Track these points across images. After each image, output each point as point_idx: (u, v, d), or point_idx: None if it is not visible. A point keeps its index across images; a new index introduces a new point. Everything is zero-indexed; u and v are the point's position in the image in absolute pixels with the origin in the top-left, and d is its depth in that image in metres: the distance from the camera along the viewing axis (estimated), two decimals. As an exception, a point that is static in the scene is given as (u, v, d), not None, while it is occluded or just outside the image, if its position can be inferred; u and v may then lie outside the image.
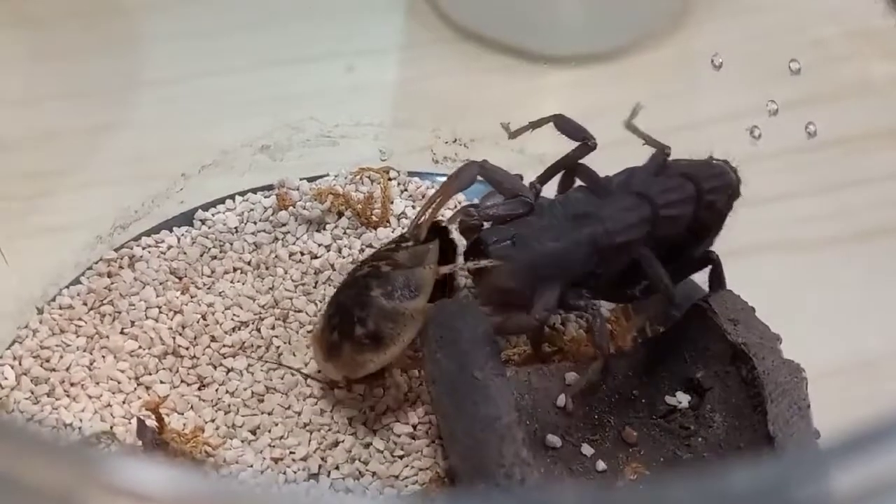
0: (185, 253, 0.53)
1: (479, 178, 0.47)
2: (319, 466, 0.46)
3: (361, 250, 0.54)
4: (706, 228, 0.48)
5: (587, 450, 0.45)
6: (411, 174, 0.57)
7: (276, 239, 0.54)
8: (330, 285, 0.52)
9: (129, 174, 0.57)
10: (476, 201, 0.52)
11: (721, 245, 0.49)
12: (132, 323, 0.50)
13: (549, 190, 0.49)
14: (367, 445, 0.46)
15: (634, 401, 0.47)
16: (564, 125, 0.49)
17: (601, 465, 0.45)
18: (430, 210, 0.47)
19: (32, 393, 0.48)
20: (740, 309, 0.47)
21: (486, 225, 0.46)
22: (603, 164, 0.51)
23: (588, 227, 0.45)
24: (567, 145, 0.53)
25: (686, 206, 0.46)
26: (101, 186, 0.56)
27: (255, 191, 0.56)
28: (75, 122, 0.58)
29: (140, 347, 0.50)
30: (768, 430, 0.43)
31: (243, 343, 0.50)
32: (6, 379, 0.48)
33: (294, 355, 0.49)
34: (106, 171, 0.57)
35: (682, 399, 0.47)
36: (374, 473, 0.45)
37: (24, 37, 0.59)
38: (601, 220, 0.45)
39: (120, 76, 0.60)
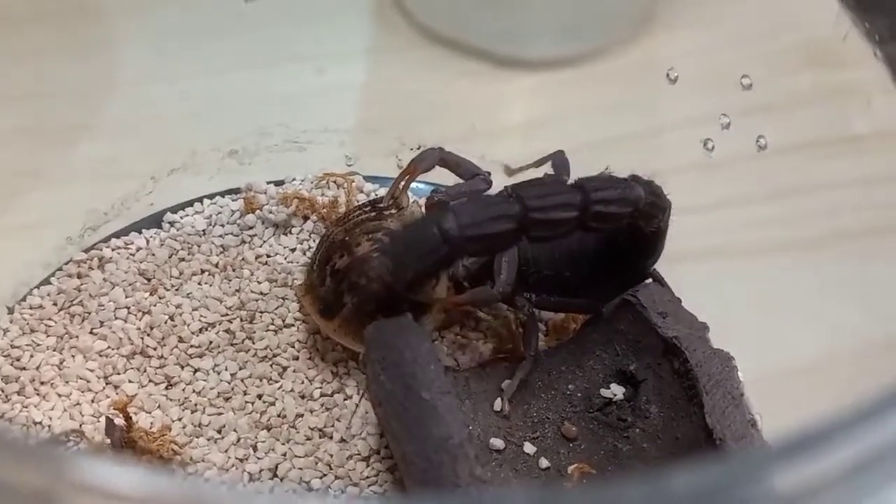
0: (153, 255, 0.54)
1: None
2: (281, 466, 0.47)
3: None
4: (637, 244, 0.49)
5: (529, 448, 0.47)
6: (375, 179, 0.58)
7: (243, 242, 0.55)
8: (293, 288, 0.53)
9: (98, 176, 0.58)
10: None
11: (671, 250, 0.50)
12: (101, 323, 0.52)
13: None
14: (330, 447, 0.48)
15: (570, 395, 0.48)
16: (559, 161, 0.52)
17: (544, 462, 0.46)
18: (401, 184, 0.51)
19: (3, 391, 0.49)
20: (668, 301, 0.48)
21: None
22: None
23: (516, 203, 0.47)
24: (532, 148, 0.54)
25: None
26: (71, 187, 0.57)
27: (222, 194, 0.57)
28: (46, 122, 0.58)
29: (109, 347, 0.51)
30: (705, 422, 0.44)
31: (210, 343, 0.51)
32: (-24, 378, 0.49)
33: (256, 355, 0.51)
34: (76, 173, 0.57)
35: (617, 391, 0.48)
36: (336, 474, 0.47)
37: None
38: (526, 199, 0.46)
39: (91, 77, 0.60)
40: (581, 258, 0.50)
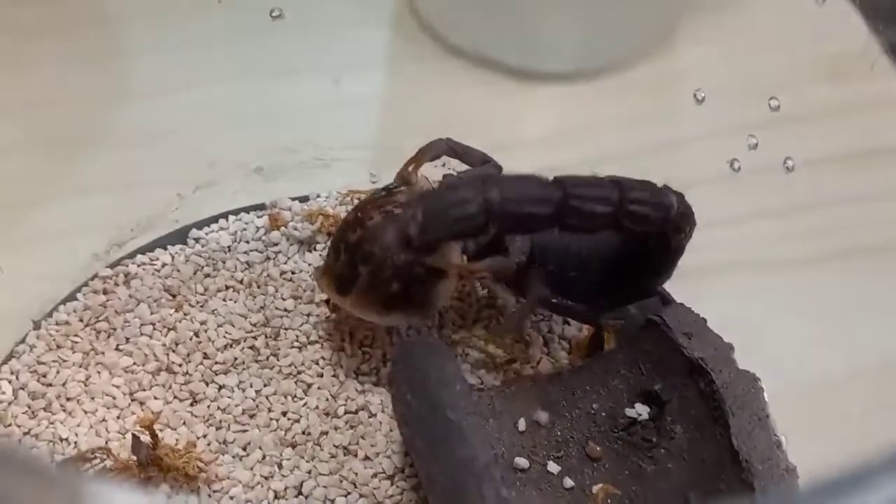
0: (178, 271, 0.55)
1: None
2: (306, 483, 0.47)
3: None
4: (655, 252, 0.49)
5: (553, 467, 0.47)
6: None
7: (268, 258, 0.56)
8: (319, 305, 0.53)
9: (124, 190, 0.58)
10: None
11: (695, 263, 0.50)
12: (127, 339, 0.52)
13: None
14: (355, 464, 0.48)
15: (595, 415, 0.48)
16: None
17: (568, 482, 0.46)
18: (410, 167, 0.51)
19: (29, 407, 0.49)
20: (693, 321, 0.48)
21: None
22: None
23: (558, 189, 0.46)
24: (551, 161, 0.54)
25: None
26: (95, 202, 0.57)
27: (247, 210, 0.57)
28: (66, 133, 0.59)
29: (134, 364, 0.51)
30: (731, 443, 0.44)
31: (235, 360, 0.51)
32: (4, 393, 0.50)
33: (280, 372, 0.51)
34: (100, 187, 0.57)
35: (642, 411, 0.48)
36: (360, 492, 0.47)
37: (8, 44, 0.60)
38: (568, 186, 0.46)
39: (109, 87, 0.61)
40: (590, 262, 0.50)
